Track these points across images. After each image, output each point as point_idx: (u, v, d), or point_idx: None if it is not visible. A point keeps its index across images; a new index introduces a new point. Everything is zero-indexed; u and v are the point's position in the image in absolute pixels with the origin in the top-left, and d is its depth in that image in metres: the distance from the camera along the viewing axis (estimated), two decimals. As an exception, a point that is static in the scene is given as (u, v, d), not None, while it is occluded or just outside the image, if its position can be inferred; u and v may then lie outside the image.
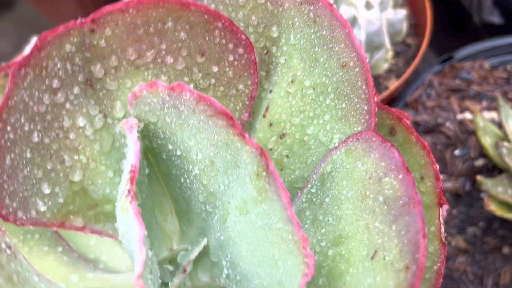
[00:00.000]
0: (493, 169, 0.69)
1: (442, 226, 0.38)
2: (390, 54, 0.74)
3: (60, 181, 0.42)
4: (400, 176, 0.32)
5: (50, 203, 0.42)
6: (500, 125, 0.69)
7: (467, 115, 0.71)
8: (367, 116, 0.37)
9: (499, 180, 0.64)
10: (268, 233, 0.35)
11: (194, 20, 0.39)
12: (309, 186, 0.42)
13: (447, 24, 0.95)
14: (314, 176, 0.41)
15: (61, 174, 0.42)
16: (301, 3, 0.41)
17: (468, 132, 0.71)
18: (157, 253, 0.45)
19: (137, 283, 0.34)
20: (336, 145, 0.40)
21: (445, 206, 0.47)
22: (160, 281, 0.41)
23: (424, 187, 0.40)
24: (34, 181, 0.40)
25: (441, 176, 0.71)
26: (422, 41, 0.73)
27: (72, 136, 0.41)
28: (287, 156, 0.45)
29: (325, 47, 0.39)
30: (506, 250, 0.68)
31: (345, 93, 0.39)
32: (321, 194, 0.40)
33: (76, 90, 0.40)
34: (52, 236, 0.48)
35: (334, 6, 0.40)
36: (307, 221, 0.41)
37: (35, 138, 0.38)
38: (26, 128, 0.37)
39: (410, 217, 0.31)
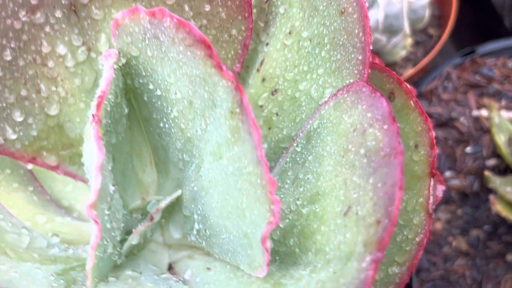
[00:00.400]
0: (505, 170, 0.65)
1: (431, 197, 0.35)
2: (409, 41, 0.70)
3: (34, 112, 0.40)
4: (385, 127, 0.29)
5: (21, 133, 0.40)
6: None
7: (484, 113, 0.67)
8: (361, 67, 0.34)
9: (509, 179, 0.60)
10: (238, 179, 0.33)
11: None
12: (295, 145, 0.39)
13: (474, 25, 0.91)
14: (300, 134, 0.38)
15: (36, 105, 0.40)
16: None
17: (483, 129, 0.67)
18: (129, 201, 0.43)
19: (89, 213, 0.31)
20: (326, 100, 0.37)
21: (441, 187, 0.44)
22: (123, 226, 0.38)
23: (418, 155, 0.37)
24: (4, 105, 0.38)
25: (449, 173, 0.68)
26: (448, 34, 0.70)
27: (50, 64, 0.39)
28: (277, 114, 0.42)
29: (324, -7, 0.37)
30: (510, 257, 0.64)
31: (341, 42, 0.36)
32: (305, 152, 0.37)
33: (58, 13, 0.38)
34: (25, 175, 0.46)
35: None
36: (288, 181, 0.38)
37: (8, 56, 0.36)
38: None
39: (389, 169, 0.28)
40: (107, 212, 0.33)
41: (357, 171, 0.30)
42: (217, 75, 0.32)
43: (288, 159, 0.39)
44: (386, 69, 0.40)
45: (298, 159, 0.38)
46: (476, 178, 0.66)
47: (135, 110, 0.42)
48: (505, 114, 0.67)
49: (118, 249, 0.37)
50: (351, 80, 0.35)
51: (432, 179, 0.35)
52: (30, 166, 0.46)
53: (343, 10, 0.35)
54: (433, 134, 0.36)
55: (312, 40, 0.38)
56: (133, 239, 0.38)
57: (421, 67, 0.68)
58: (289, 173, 0.39)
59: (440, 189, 0.44)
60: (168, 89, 0.37)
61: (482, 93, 0.70)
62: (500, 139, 0.61)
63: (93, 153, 0.31)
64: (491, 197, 0.58)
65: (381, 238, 0.26)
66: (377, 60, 0.35)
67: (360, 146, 0.31)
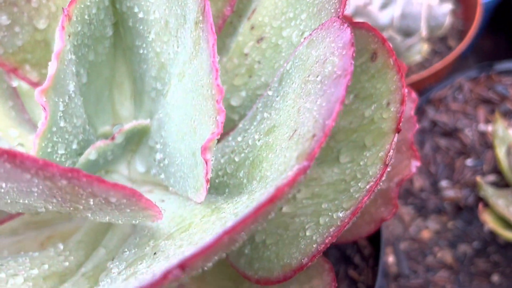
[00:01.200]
0: (505, 188, 0.62)
1: (392, 151, 0.34)
2: (426, 47, 0.69)
3: (22, 21, 0.41)
4: (344, 52, 0.29)
5: (6, 39, 0.41)
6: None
7: (491, 129, 0.65)
8: (337, 5, 0.34)
9: (504, 193, 0.57)
10: (194, 95, 0.32)
11: None
12: (268, 89, 0.38)
13: (499, 43, 0.89)
14: (275, 78, 0.38)
15: (25, 14, 0.41)
16: None
17: (487, 145, 0.65)
18: (99, 127, 0.43)
19: (38, 98, 0.31)
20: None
21: (415, 162, 0.42)
22: (84, 140, 0.38)
23: (387, 113, 0.36)
24: (-9, 4, 0.39)
25: (445, 182, 0.66)
26: (466, 44, 0.68)
27: (44, -26, 0.40)
28: (259, 62, 0.41)
29: None
30: (495, 278, 0.61)
31: (324, -15, 0.35)
32: (275, 94, 0.37)
33: None
34: (8, 89, 0.46)
35: None
36: (255, 123, 0.37)
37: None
38: None
39: (336, 88, 0.27)
40: (61, 108, 0.33)
41: (311, 97, 0.30)
42: (189, -15, 0.31)
43: (260, 104, 0.39)
44: (373, 28, 0.39)
45: (268, 102, 0.38)
46: (471, 192, 0.64)
47: (121, 39, 0.43)
48: (512, 133, 0.65)
49: (74, 159, 0.37)
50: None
51: (396, 135, 0.34)
52: (15, 83, 0.46)
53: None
54: (405, 91, 0.35)
55: (301, -14, 0.38)
56: (91, 154, 0.37)
57: (433, 72, 0.66)
58: (257, 117, 0.38)
59: (414, 165, 0.42)
60: (148, 10, 0.37)
61: (492, 110, 0.68)
62: (501, 152, 0.59)
63: (55, 43, 0.31)
64: (480, 205, 0.55)
65: (312, 149, 0.25)
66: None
67: (318, 74, 0.30)
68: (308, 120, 0.28)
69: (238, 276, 0.39)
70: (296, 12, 0.39)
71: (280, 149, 0.30)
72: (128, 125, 0.39)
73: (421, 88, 0.69)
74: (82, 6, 0.35)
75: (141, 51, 0.40)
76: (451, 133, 0.67)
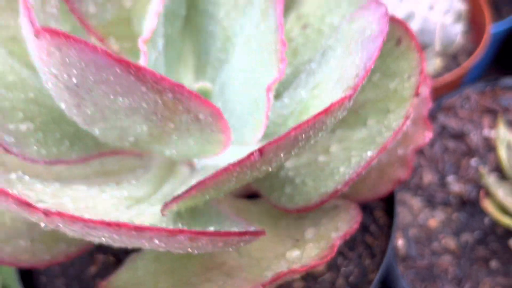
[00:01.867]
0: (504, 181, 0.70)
1: (411, 109, 0.42)
2: (438, 62, 0.78)
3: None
4: (380, 20, 0.38)
5: (99, 14, 0.50)
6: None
7: (494, 134, 0.74)
8: (374, -7, 0.43)
9: (504, 184, 0.65)
10: (258, 53, 0.41)
11: None
12: (312, 63, 0.47)
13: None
14: (318, 54, 0.47)
15: (115, -6, 0.50)
16: None
17: (490, 148, 0.73)
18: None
19: (141, 46, 0.40)
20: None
21: (428, 134, 0.51)
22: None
23: (409, 83, 0.44)
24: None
25: (451, 177, 0.74)
26: (473, 63, 0.78)
27: (135, -37, 0.50)
28: (303, 45, 0.50)
29: None
30: (493, 264, 0.68)
31: (363, -22, 0.44)
32: (317, 66, 0.45)
33: None
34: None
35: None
36: (300, 86, 0.46)
37: None
38: None
39: (374, 43, 0.36)
40: (153, 59, 0.42)
41: (352, 55, 0.38)
42: (261, -32, 0.41)
43: (304, 75, 0.48)
44: (398, 19, 0.48)
45: (311, 72, 0.46)
46: (474, 188, 0.72)
47: (190, 21, 0.52)
48: (513, 139, 0.73)
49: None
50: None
51: (415, 98, 0.43)
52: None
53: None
54: (425, 66, 0.44)
55: (342, -18, 0.47)
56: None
57: (444, 83, 0.75)
58: (302, 82, 0.47)
59: (427, 135, 0.51)
60: (221, -8, 0.47)
61: (496, 119, 0.76)
62: (502, 149, 0.67)
63: (153, 4, 0.40)
64: (481, 192, 0.63)
65: (356, 84, 0.34)
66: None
67: (359, 39, 0.39)
68: (351, 69, 0.37)
69: (277, 215, 0.47)
70: (338, 2, 0.48)
71: (326, 94, 0.39)
72: (194, 85, 0.48)
73: (433, 96, 0.78)
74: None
75: (209, 28, 0.49)
76: (458, 136, 0.75)
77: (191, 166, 0.48)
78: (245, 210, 0.48)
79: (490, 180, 0.64)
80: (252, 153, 0.30)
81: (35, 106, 0.45)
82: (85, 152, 0.48)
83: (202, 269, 0.43)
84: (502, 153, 0.67)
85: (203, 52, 0.51)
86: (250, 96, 0.42)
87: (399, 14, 0.72)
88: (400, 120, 0.42)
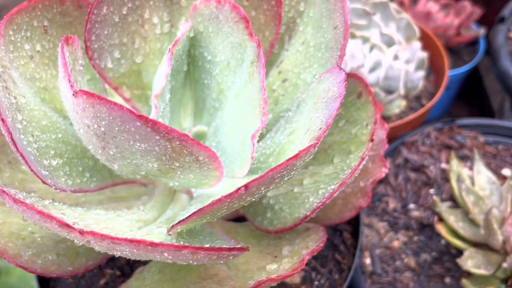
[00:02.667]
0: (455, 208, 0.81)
1: (367, 152, 0.53)
2: (404, 103, 0.90)
3: (126, 56, 0.61)
4: (340, 84, 0.49)
5: (115, 67, 0.61)
6: (472, 181, 0.82)
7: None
8: (339, 60, 0.54)
9: (455, 211, 0.76)
10: (247, 106, 0.52)
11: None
12: (289, 112, 0.58)
13: (469, 102, 1.10)
14: (294, 104, 0.58)
15: (129, 52, 0.61)
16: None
17: (446, 179, 0.85)
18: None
19: (153, 100, 0.51)
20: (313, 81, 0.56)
21: (384, 169, 0.61)
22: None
23: (366, 130, 0.55)
24: (111, 42, 0.59)
25: (412, 205, 0.85)
26: (433, 103, 0.89)
27: (146, 27, 0.60)
28: (283, 95, 0.61)
29: (328, 17, 0.57)
30: (447, 280, 0.79)
31: (330, 46, 0.56)
32: (294, 114, 0.56)
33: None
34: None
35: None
36: (279, 131, 0.57)
37: (124, 11, 0.58)
38: (121, 2, 0.57)
39: (334, 103, 0.47)
40: (161, 109, 0.53)
41: (319, 111, 0.49)
42: (249, 40, 0.52)
43: (282, 121, 0.59)
44: (359, 77, 0.59)
45: (289, 119, 0.57)
46: (432, 214, 0.83)
47: (190, 74, 0.63)
48: (467, 171, 0.84)
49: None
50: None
51: (370, 143, 0.54)
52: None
53: (335, 26, 0.56)
54: (378, 116, 0.55)
55: (315, 46, 0.59)
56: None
57: (408, 121, 0.87)
58: (281, 128, 0.58)
59: (383, 170, 0.62)
60: (215, 54, 0.58)
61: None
62: (454, 181, 0.79)
63: (163, 66, 0.51)
64: (435, 218, 0.74)
65: (319, 135, 0.45)
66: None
67: (324, 97, 0.50)
68: (317, 122, 0.48)
69: (260, 235, 0.58)
70: (311, 63, 0.59)
71: (299, 141, 0.50)
72: (192, 130, 0.58)
73: (398, 133, 0.89)
74: (177, 48, 0.55)
75: (205, 81, 0.60)
76: (419, 168, 0.86)
77: (189, 194, 0.59)
78: (233, 231, 0.58)
79: (443, 207, 0.75)
80: (239, 188, 0.41)
81: (63, 145, 0.55)
82: (102, 182, 0.58)
83: (198, 279, 0.53)
84: (454, 184, 0.78)
85: (201, 100, 0.62)
86: (238, 139, 0.53)
87: (368, 62, 0.84)
88: (358, 160, 0.53)
